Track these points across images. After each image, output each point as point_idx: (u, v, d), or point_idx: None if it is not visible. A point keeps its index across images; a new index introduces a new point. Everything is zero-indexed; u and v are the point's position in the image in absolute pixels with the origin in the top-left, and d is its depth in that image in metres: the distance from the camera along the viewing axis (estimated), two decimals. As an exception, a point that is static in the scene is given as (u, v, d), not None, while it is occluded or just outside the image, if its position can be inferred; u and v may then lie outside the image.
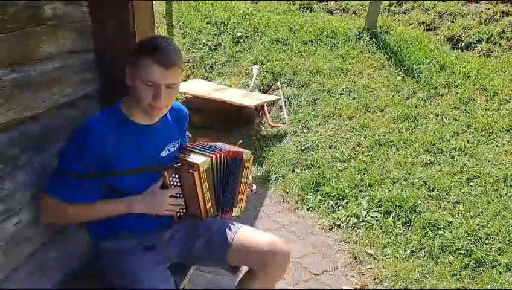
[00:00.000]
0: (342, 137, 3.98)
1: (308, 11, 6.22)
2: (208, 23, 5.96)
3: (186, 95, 4.85)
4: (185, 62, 5.62)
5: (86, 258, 1.82)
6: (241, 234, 1.73)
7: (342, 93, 4.57)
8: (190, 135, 2.90)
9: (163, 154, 1.68)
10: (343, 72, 4.84)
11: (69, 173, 1.48)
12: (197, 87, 4.78)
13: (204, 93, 4.57)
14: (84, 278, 1.75)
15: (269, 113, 4.76)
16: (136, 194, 1.61)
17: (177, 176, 1.70)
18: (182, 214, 1.76)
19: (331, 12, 6.31)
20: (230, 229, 1.74)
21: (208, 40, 5.72)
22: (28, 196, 1.55)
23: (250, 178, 1.91)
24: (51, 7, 1.62)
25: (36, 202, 1.55)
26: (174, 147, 1.74)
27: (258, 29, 5.73)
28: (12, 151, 1.48)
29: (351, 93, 4.54)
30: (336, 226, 3.08)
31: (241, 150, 1.83)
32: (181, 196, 1.73)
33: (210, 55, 5.56)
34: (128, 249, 1.63)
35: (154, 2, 6.36)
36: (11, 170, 1.47)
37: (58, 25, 1.67)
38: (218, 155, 1.73)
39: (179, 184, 1.71)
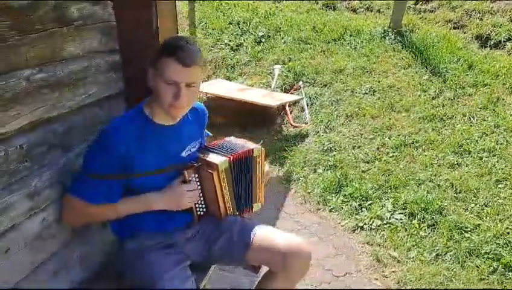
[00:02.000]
0: (366, 137, 3.92)
1: (331, 10, 6.16)
2: (230, 23, 5.97)
3: (207, 95, 4.87)
4: (207, 62, 5.65)
5: (110, 257, 1.84)
6: (261, 233, 1.72)
7: (366, 93, 4.51)
8: (211, 134, 2.91)
9: (183, 154, 1.69)
10: (367, 72, 4.77)
11: (91, 173, 1.50)
12: (218, 87, 4.80)
13: (226, 93, 4.58)
14: (106, 277, 1.76)
15: (291, 113, 4.73)
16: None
17: (196, 175, 1.70)
18: (202, 213, 1.76)
19: (354, 10, 6.24)
20: (250, 229, 1.74)
21: (230, 40, 5.73)
22: (54, 194, 1.57)
23: (267, 167, 1.89)
24: (78, 8, 1.64)
25: (61, 200, 1.57)
26: (194, 147, 1.74)
27: (280, 28, 5.71)
28: (39, 150, 1.50)
29: (375, 93, 4.47)
30: (359, 228, 3.03)
31: (251, 146, 1.81)
32: (201, 195, 1.73)
33: (232, 55, 5.57)
34: (148, 248, 1.64)
35: (177, 3, 6.43)
36: (38, 168, 1.50)
37: (84, 25, 1.69)
38: (236, 155, 1.72)
39: (198, 184, 1.71)
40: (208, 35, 5.91)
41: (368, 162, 3.62)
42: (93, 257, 1.81)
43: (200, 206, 1.76)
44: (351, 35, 5.35)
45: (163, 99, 1.51)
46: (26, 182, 1.45)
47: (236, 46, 5.68)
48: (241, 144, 1.85)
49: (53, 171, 1.57)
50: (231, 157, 1.71)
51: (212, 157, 1.72)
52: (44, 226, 1.54)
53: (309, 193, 3.51)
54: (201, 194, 1.74)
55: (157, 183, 1.62)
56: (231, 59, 5.54)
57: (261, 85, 5.08)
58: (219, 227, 1.77)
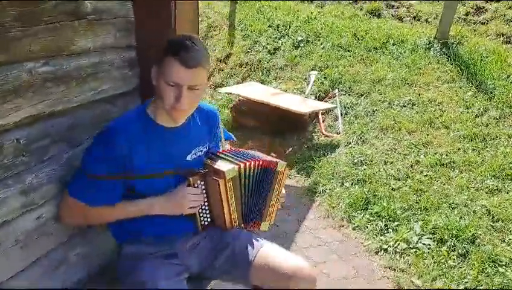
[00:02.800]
0: (400, 153, 3.70)
1: (375, 17, 5.94)
2: (269, 26, 5.87)
3: (239, 98, 4.79)
4: (242, 64, 5.58)
5: (109, 259, 1.77)
6: (266, 252, 1.61)
7: (404, 106, 4.28)
8: (234, 139, 2.80)
9: (189, 158, 1.60)
10: (408, 83, 4.53)
11: (91, 174, 1.44)
12: (251, 90, 4.70)
13: (258, 96, 4.48)
14: (103, 281, 1.70)
15: (323, 121, 4.57)
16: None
17: (202, 182, 1.61)
18: (206, 223, 1.66)
19: (400, 19, 5.99)
20: (253, 245, 1.62)
21: (268, 43, 5.63)
22: (53, 191, 1.53)
23: (283, 191, 1.77)
24: (92, 2, 1.59)
25: (60, 198, 1.52)
26: (202, 151, 1.65)
27: (320, 34, 5.55)
28: (40, 144, 1.46)
29: (414, 106, 4.23)
30: (382, 250, 2.84)
31: (275, 160, 1.69)
32: (206, 203, 1.64)
33: (268, 58, 5.47)
34: (147, 255, 1.56)
35: (218, 3, 6.43)
36: (36, 163, 1.45)
37: (98, 20, 1.64)
38: (247, 163, 1.61)
39: (204, 191, 1.62)
40: (246, 37, 5.84)
41: (399, 180, 3.40)
42: (92, 258, 1.75)
43: (205, 215, 1.67)
44: (393, 44, 5.11)
45: (164, 100, 1.43)
46: (21, 177, 1.40)
47: (274, 49, 5.57)
48: (264, 156, 1.74)
49: (54, 167, 1.52)
50: (242, 165, 1.61)
51: (220, 164, 1.62)
52: (39, 224, 1.50)
53: (333, 207, 3.35)
54: (206, 203, 1.65)
55: (160, 187, 1.55)
56: (267, 62, 5.44)
57: (295, 91, 4.95)
58: (223, 239, 1.67)
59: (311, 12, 5.99)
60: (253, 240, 1.66)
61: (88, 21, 1.59)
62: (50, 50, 1.44)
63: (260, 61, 5.47)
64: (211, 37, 6.15)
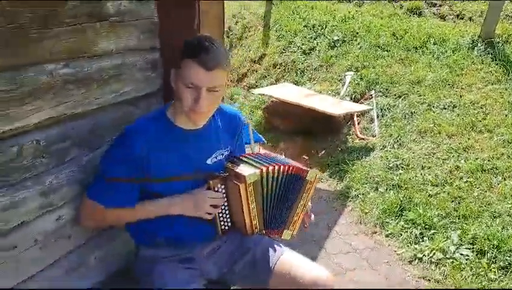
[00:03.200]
0: (438, 158, 3.53)
1: (415, 16, 5.71)
2: (305, 26, 5.78)
3: (272, 99, 4.74)
4: (276, 65, 5.52)
5: (128, 260, 1.76)
6: (286, 260, 1.55)
7: (444, 108, 4.08)
8: (264, 141, 2.72)
9: (209, 161, 1.55)
10: (449, 84, 4.33)
11: (109, 177, 1.43)
12: (284, 91, 4.64)
13: (291, 98, 4.41)
14: (124, 281, 1.69)
15: (359, 124, 4.44)
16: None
17: (223, 186, 1.56)
18: (227, 227, 1.62)
19: (442, 17, 5.73)
20: (274, 252, 1.57)
21: (303, 44, 5.54)
22: (73, 193, 1.53)
23: (310, 204, 1.69)
24: (115, 4, 1.59)
25: (80, 200, 1.52)
26: (223, 155, 1.60)
27: (357, 33, 5.40)
28: (60, 146, 1.46)
29: (455, 109, 4.03)
30: (416, 259, 2.70)
31: (306, 168, 1.62)
32: (226, 208, 1.59)
33: (303, 59, 5.38)
34: (163, 258, 1.54)
35: (254, 4, 6.40)
36: (57, 165, 1.46)
37: (121, 21, 1.63)
38: (270, 168, 1.55)
39: (224, 195, 1.57)
40: (281, 37, 5.77)
41: (436, 186, 3.24)
42: (111, 260, 1.75)
43: (225, 219, 1.62)
44: (434, 44, 4.90)
45: (183, 102, 1.40)
46: (41, 178, 1.41)
47: (309, 49, 5.48)
48: (293, 162, 1.67)
49: (74, 169, 1.52)
50: (264, 170, 1.55)
51: (242, 168, 1.57)
52: (59, 225, 1.50)
53: (366, 213, 3.23)
54: (226, 207, 1.60)
55: (179, 190, 1.51)
56: (302, 63, 5.35)
57: (330, 92, 4.84)
58: (243, 244, 1.62)
59: (349, 12, 5.85)
60: (275, 247, 1.61)
61: (110, 23, 1.58)
62: (71, 52, 1.44)
63: (294, 61, 5.39)
64: (246, 37, 6.13)
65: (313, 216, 1.70)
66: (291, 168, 1.59)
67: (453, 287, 2.44)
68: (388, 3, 6.17)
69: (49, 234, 1.47)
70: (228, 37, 6.25)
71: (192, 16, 1.80)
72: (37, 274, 1.45)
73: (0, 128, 1.25)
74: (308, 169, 1.59)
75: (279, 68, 5.39)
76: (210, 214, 1.54)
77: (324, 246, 2.88)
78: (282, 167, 1.58)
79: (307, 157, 4.36)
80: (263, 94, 4.86)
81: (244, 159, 1.66)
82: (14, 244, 1.35)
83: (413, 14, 5.76)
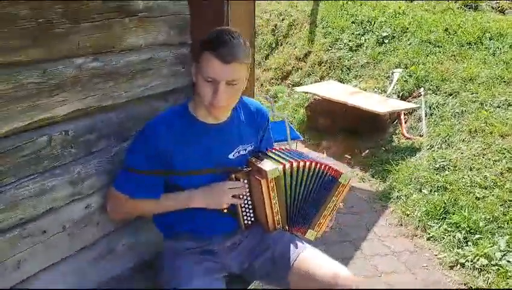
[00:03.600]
0: (489, 159, 3.32)
1: (471, 10, 5.42)
2: (352, 22, 5.66)
3: (314, 97, 4.68)
4: (322, 63, 5.44)
5: (156, 250, 1.80)
6: (306, 257, 1.51)
7: (498, 106, 3.85)
8: (301, 138, 2.68)
9: (231, 156, 1.55)
10: (505, 82, 4.07)
11: (133, 169, 1.47)
12: (328, 89, 4.56)
13: (334, 95, 4.34)
14: (149, 270, 1.73)
15: (405, 122, 4.28)
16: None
17: (245, 181, 1.56)
18: (250, 222, 1.61)
19: (502, 11, 5.41)
20: (294, 249, 1.54)
21: (350, 40, 5.43)
22: (101, 182, 1.58)
23: (341, 205, 1.65)
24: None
25: (107, 190, 1.58)
26: (246, 149, 1.59)
27: (407, 29, 5.21)
28: (88, 137, 1.52)
29: (510, 107, 3.78)
30: (458, 265, 2.56)
31: (341, 169, 1.57)
32: (249, 202, 1.59)
33: (349, 56, 5.27)
34: (184, 250, 1.56)
35: (301, 2, 6.34)
36: (85, 155, 1.52)
37: (150, 17, 1.67)
38: (294, 164, 1.52)
39: (247, 190, 1.57)
40: (327, 34, 5.68)
41: (485, 188, 3.05)
42: (138, 249, 1.80)
43: (248, 213, 1.62)
44: (491, 39, 4.62)
45: (202, 96, 1.41)
46: (69, 168, 1.47)
47: (356, 46, 5.35)
48: (327, 161, 1.63)
49: (102, 159, 1.58)
50: (287, 165, 1.53)
51: (264, 164, 1.56)
52: (87, 213, 1.56)
53: (407, 215, 3.10)
54: (249, 201, 1.60)
55: (203, 183, 1.52)
56: (348, 60, 5.24)
57: (376, 89, 4.70)
58: (264, 240, 1.61)
59: (399, 7, 5.65)
60: (296, 243, 1.58)
61: (139, 18, 1.62)
62: (100, 46, 1.49)
63: (340, 59, 5.29)
64: (291, 35, 6.10)
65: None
66: (321, 166, 1.55)
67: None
68: (443, -3, 5.90)
69: (78, 221, 1.53)
70: (274, 35, 6.25)
71: (222, 12, 1.80)
72: (66, 259, 1.52)
73: (30, 118, 1.32)
74: (342, 171, 1.54)
75: (325, 66, 5.31)
76: (232, 204, 1.53)
77: (361, 247, 2.80)
78: (308, 163, 1.54)
79: (349, 157, 4.28)
80: (306, 92, 4.81)
81: (269, 154, 1.64)
82: (43, 229, 1.42)
83: (469, 8, 5.47)
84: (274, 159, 1.60)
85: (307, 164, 1.54)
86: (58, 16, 1.34)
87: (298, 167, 1.54)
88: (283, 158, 1.59)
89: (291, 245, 1.56)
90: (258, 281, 1.68)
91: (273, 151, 1.67)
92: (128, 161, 1.50)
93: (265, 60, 6.14)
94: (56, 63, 1.37)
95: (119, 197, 1.51)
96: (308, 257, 1.52)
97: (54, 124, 1.40)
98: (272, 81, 5.81)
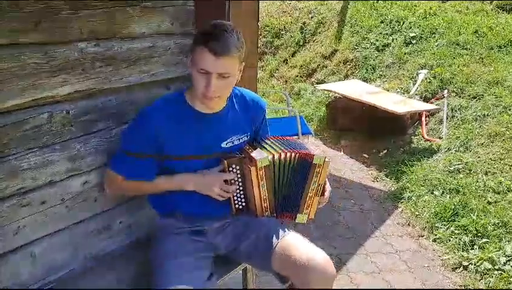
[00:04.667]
0: (506, 164, 3.24)
1: (505, 12, 5.24)
2: (381, 22, 5.60)
3: (336, 95, 4.67)
4: (347, 61, 5.42)
5: (151, 229, 1.89)
6: (287, 240, 1.56)
7: (522, 112, 3.73)
8: (313, 133, 2.72)
9: (224, 145, 1.62)
10: (532, 87, 3.93)
11: (128, 151, 1.55)
12: (349, 88, 4.55)
13: (355, 94, 4.32)
14: (143, 248, 1.82)
15: (427, 124, 4.21)
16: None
17: (238, 167, 1.62)
18: (241, 207, 1.68)
19: (539, 14, 5.20)
20: (277, 233, 1.59)
21: (377, 40, 5.37)
22: (100, 161, 1.69)
23: (329, 188, 1.70)
24: (147, -12, 1.72)
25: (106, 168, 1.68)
26: (240, 139, 1.66)
27: (436, 30, 5.11)
28: (88, 118, 1.62)
29: (534, 113, 3.66)
30: (461, 267, 2.53)
31: (313, 152, 1.63)
32: (241, 188, 1.65)
33: (375, 55, 5.22)
34: (175, 229, 1.64)
35: (331, 1, 6.28)
36: (85, 134, 1.62)
37: (153, 7, 1.76)
38: (282, 154, 1.58)
39: (239, 176, 1.64)
40: (355, 33, 5.65)
41: (498, 193, 2.98)
42: (134, 228, 1.89)
43: (239, 199, 1.68)
44: (522, 42, 4.47)
45: (196, 88, 1.48)
46: (69, 145, 1.58)
47: (383, 46, 5.30)
48: (305, 146, 1.70)
49: (101, 140, 1.68)
50: (275, 156, 1.59)
51: (255, 152, 1.62)
52: (85, 188, 1.67)
53: (416, 215, 3.08)
54: (241, 188, 1.66)
55: (195, 169, 1.60)
56: (373, 60, 5.20)
57: (399, 90, 4.64)
58: (250, 225, 1.67)
59: (430, 8, 5.54)
60: (279, 229, 1.62)
61: (142, 7, 1.71)
62: (101, 32, 1.59)
63: (366, 58, 5.25)
64: (319, 33, 6.10)
65: (327, 193, 1.68)
66: (300, 154, 1.60)
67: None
68: (477, -2, 5.74)
69: (76, 195, 1.64)
70: (302, 32, 6.26)
71: (223, 5, 1.87)
72: (64, 230, 1.63)
73: (32, 96, 1.43)
74: (314, 154, 1.59)
75: (350, 64, 5.29)
76: (222, 196, 1.61)
77: (364, 244, 2.81)
78: (291, 153, 1.60)
79: (367, 156, 4.26)
80: (328, 90, 4.82)
81: (263, 143, 1.70)
82: (42, 200, 1.54)
83: (503, 10, 5.30)
84: (266, 148, 1.66)
85: (291, 154, 1.60)
86: (61, 2, 1.45)
87: (285, 157, 1.60)
88: (275, 148, 1.65)
89: (275, 230, 1.61)
90: (244, 263, 1.75)
91: (267, 140, 1.72)
92: (124, 143, 1.59)
93: (292, 57, 6.16)
94: (58, 46, 1.47)
95: (116, 176, 1.60)
96: (289, 240, 1.57)
97: (54, 103, 1.51)
98: (297, 78, 5.83)
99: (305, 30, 6.26)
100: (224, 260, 1.71)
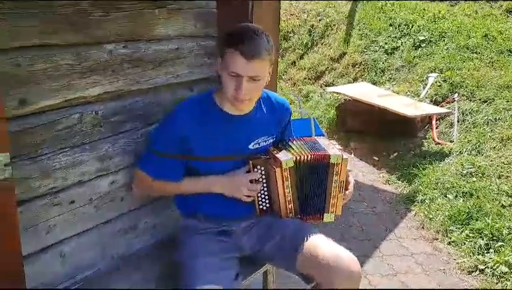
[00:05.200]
0: (519, 167, 3.25)
1: (514, 16, 5.26)
2: (390, 25, 5.62)
3: (345, 98, 4.69)
4: (356, 64, 5.44)
5: (176, 228, 1.90)
6: (313, 240, 1.57)
7: (534, 116, 3.74)
8: (324, 134, 2.73)
9: (251, 146, 1.63)
10: (543, 91, 3.95)
11: (156, 151, 1.57)
12: (359, 90, 4.57)
13: (365, 97, 4.33)
14: (168, 248, 1.83)
15: (437, 128, 4.22)
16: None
17: (263, 168, 1.64)
18: (265, 208, 1.69)
19: (548, 18, 5.21)
20: (303, 234, 1.60)
21: (386, 43, 5.39)
22: (127, 161, 1.70)
23: (351, 182, 1.71)
24: (174, -9, 1.74)
25: (133, 168, 1.70)
26: (266, 141, 1.67)
27: (445, 33, 5.13)
28: (116, 118, 1.64)
29: (546, 117, 3.67)
30: (477, 271, 2.54)
31: (328, 152, 1.64)
32: (265, 189, 1.67)
33: (384, 58, 5.24)
34: (200, 229, 1.65)
35: (339, 2, 6.35)
36: (112, 135, 1.64)
37: (179, 9, 1.78)
38: (304, 156, 1.60)
39: (264, 177, 1.65)
40: (363, 36, 5.66)
41: (512, 197, 2.99)
42: (159, 228, 1.91)
43: (264, 200, 1.69)
44: (532, 47, 4.49)
45: (227, 90, 1.49)
46: (98, 145, 1.60)
47: (392, 49, 5.31)
48: (326, 146, 1.71)
49: (129, 140, 1.70)
50: (298, 158, 1.60)
51: (280, 154, 1.64)
52: (113, 188, 1.69)
53: (430, 218, 3.09)
54: (266, 189, 1.68)
55: (220, 171, 1.61)
56: (383, 63, 5.21)
57: (409, 93, 4.66)
58: (275, 226, 1.68)
59: (439, 11, 5.56)
60: (305, 230, 1.63)
61: (168, 10, 1.73)
62: (129, 34, 1.61)
63: (375, 61, 5.27)
64: (327, 36, 6.11)
65: (350, 187, 1.69)
66: (317, 155, 1.62)
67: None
68: (486, 2, 5.75)
69: (104, 195, 1.66)
70: (310, 35, 6.28)
71: (246, 7, 1.89)
72: (92, 230, 1.64)
73: (64, 96, 1.45)
74: (330, 154, 1.61)
75: (358, 67, 5.31)
76: (248, 196, 1.62)
77: (379, 247, 2.82)
78: (312, 154, 1.62)
79: (377, 159, 4.27)
80: (337, 92, 4.83)
81: (288, 144, 1.72)
82: (72, 199, 1.55)
83: (512, 14, 5.31)
84: (291, 150, 1.67)
85: (311, 156, 1.61)
86: (93, 3, 1.47)
87: (308, 158, 1.61)
88: (299, 149, 1.66)
89: (300, 230, 1.62)
90: (268, 263, 1.76)
91: (291, 142, 1.74)
92: (153, 143, 1.61)
93: (300, 59, 6.18)
94: (89, 47, 1.49)
95: (145, 177, 1.61)
96: (316, 241, 1.57)
97: (85, 104, 1.53)
98: (305, 80, 5.85)
99: (313, 33, 6.28)
100: (249, 260, 1.72)
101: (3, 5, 1.25)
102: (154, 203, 1.86)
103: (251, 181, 1.61)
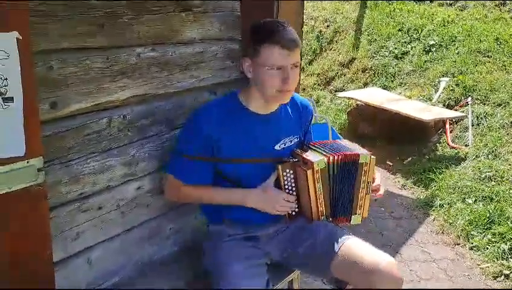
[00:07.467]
0: (538, 171, 3.21)
1: (525, 20, 5.24)
2: (399, 30, 5.60)
3: (357, 103, 4.66)
4: (366, 69, 5.42)
5: (200, 236, 1.87)
6: (349, 245, 1.53)
7: (550, 119, 3.70)
8: (341, 137, 2.71)
9: (277, 147, 1.61)
10: (558, 94, 3.91)
11: (183, 154, 1.54)
12: (370, 95, 4.55)
13: (377, 102, 4.31)
14: (193, 254, 1.80)
15: (451, 132, 4.19)
16: (251, 188, 1.57)
17: (291, 171, 1.60)
18: (294, 213, 1.65)
19: (558, 21, 5.19)
20: (339, 237, 1.56)
21: (396, 48, 5.37)
22: (153, 166, 1.68)
23: (378, 179, 1.68)
24: (201, -4, 1.72)
25: (159, 173, 1.67)
26: (291, 141, 1.65)
27: (456, 38, 5.11)
28: (144, 122, 1.62)
29: None
30: (502, 276, 2.49)
31: (357, 151, 1.62)
32: (294, 193, 1.63)
33: (394, 63, 5.22)
34: (230, 236, 1.61)
35: (347, 8, 6.34)
36: (139, 139, 1.61)
37: (205, 12, 1.76)
38: (335, 157, 1.57)
39: (293, 181, 1.61)
40: (372, 41, 5.65)
41: (533, 201, 2.95)
42: (184, 234, 1.88)
43: (293, 205, 1.66)
44: (544, 50, 4.46)
45: (269, 86, 1.47)
46: (126, 150, 1.57)
47: (402, 54, 5.30)
48: (351, 147, 1.69)
49: (155, 144, 1.68)
50: (330, 158, 1.57)
51: (310, 155, 1.60)
52: (139, 194, 1.66)
53: (450, 223, 3.04)
54: (294, 193, 1.64)
55: (247, 173, 1.58)
56: (393, 68, 5.19)
57: (421, 98, 4.63)
58: (306, 230, 1.64)
59: (448, 16, 5.55)
60: (338, 233, 1.60)
61: (194, 13, 1.72)
62: (157, 37, 1.59)
63: (385, 66, 5.25)
64: (336, 41, 6.11)
65: (382, 190, 1.68)
66: (345, 155, 1.59)
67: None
68: (495, 7, 5.73)
69: (130, 201, 1.63)
70: (318, 41, 6.28)
71: (272, 11, 1.87)
72: (118, 236, 1.61)
73: (94, 100, 1.43)
74: (360, 153, 1.58)
75: (368, 73, 5.29)
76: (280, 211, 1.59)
77: (400, 252, 2.78)
78: (340, 155, 1.59)
79: (391, 164, 4.22)
80: (349, 98, 4.81)
81: (311, 146, 1.69)
82: (99, 205, 1.53)
83: (523, 17, 5.29)
84: (317, 151, 1.64)
85: (339, 156, 1.58)
86: (123, 7, 1.45)
87: (341, 159, 1.58)
88: (327, 150, 1.63)
89: (334, 234, 1.59)
90: (298, 270, 1.72)
91: (314, 144, 1.71)
92: (179, 146, 1.58)
93: (309, 65, 6.17)
94: (118, 50, 1.48)
95: (175, 182, 1.58)
96: (351, 245, 1.54)
97: (114, 108, 1.51)
98: (315, 86, 5.83)
99: (322, 38, 6.27)
100: (277, 267, 1.68)
101: (37, 8, 1.23)
102: (179, 208, 1.83)
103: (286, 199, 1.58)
